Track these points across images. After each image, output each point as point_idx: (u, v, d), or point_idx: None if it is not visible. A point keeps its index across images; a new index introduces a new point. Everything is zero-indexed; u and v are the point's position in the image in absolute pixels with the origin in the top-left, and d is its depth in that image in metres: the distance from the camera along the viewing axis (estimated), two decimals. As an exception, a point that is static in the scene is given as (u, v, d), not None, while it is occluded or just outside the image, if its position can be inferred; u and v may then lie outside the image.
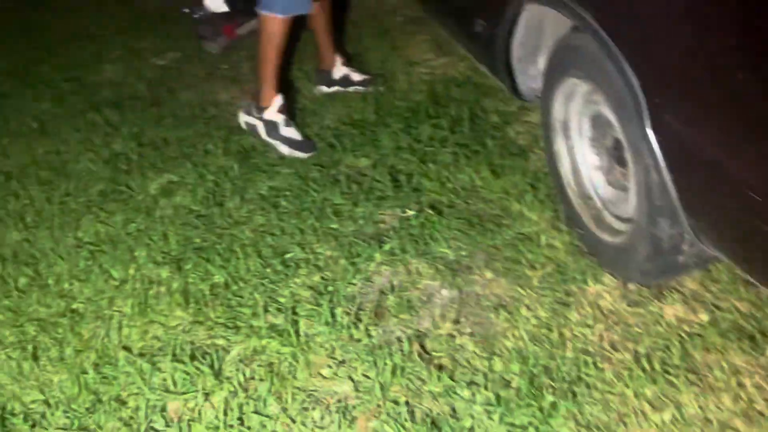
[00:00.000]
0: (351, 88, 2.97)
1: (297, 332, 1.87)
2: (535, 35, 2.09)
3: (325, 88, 2.99)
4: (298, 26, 2.69)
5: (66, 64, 3.65)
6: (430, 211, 2.25)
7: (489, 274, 2.00)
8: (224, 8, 2.93)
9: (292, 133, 2.64)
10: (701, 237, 1.54)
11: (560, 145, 2.05)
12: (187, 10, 3.05)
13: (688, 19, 1.38)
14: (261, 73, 2.60)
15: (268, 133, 2.62)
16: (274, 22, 2.52)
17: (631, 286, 1.88)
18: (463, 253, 2.09)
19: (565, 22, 1.84)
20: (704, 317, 1.78)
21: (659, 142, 1.48)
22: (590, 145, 2.00)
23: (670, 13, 1.43)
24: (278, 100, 2.61)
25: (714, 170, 1.39)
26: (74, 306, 2.09)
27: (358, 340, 1.84)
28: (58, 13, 4.26)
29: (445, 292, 1.98)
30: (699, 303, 1.82)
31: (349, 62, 3.02)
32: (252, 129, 2.67)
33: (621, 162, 1.85)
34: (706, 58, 1.34)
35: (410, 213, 2.27)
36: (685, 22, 1.39)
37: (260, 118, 2.63)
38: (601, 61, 1.65)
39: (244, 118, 2.70)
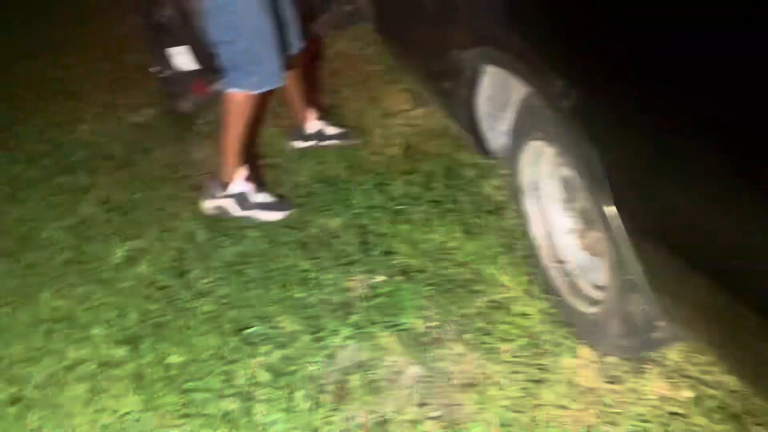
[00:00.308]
0: (326, 143, 2.88)
1: (251, 421, 1.75)
2: (502, 92, 1.99)
3: (299, 144, 2.90)
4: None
5: (44, 123, 3.59)
6: (400, 277, 2.13)
7: (459, 348, 1.88)
8: (194, 66, 2.86)
9: (263, 197, 2.54)
10: (669, 315, 1.42)
11: (531, 207, 1.94)
12: (154, 69, 2.98)
13: (653, 90, 1.26)
14: (225, 149, 2.47)
15: (241, 206, 2.50)
16: (243, 99, 2.40)
17: (610, 359, 1.75)
18: (433, 323, 1.97)
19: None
20: (688, 394, 1.65)
21: (622, 216, 1.36)
22: (562, 208, 1.88)
23: (634, 79, 1.31)
24: (243, 171, 2.50)
25: (676, 250, 1.27)
26: (24, 393, 1.99)
27: (316, 430, 1.71)
28: (40, 70, 4.22)
29: (412, 370, 1.85)
30: (683, 378, 1.68)
31: (324, 115, 2.93)
32: (221, 211, 2.52)
33: (594, 227, 1.73)
34: (668, 131, 1.23)
35: (379, 279, 2.15)
36: (649, 91, 1.27)
37: (228, 195, 2.50)
38: (560, 127, 1.54)
39: (210, 204, 2.54)
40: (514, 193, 2.00)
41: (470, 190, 2.42)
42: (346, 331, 1.98)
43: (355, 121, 3.02)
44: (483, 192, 2.41)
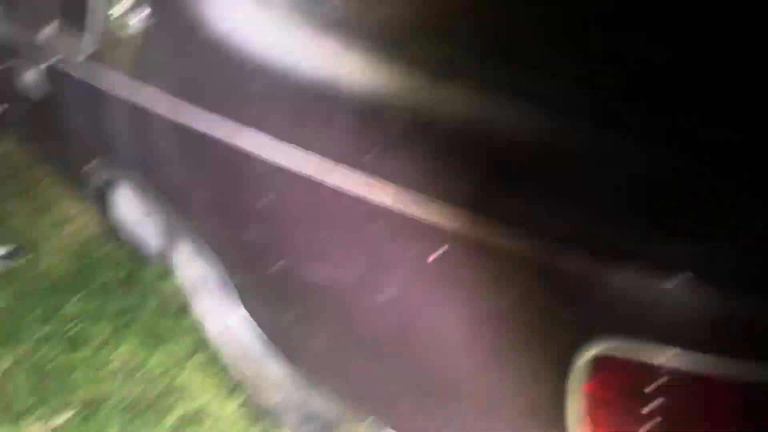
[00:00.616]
0: (-16, 270, 2.54)
1: None
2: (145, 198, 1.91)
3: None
4: None
5: None
6: (86, 411, 1.92)
7: (157, 476, 1.74)
8: None
9: None
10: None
11: (201, 304, 1.87)
12: None
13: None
14: None
15: None
16: None
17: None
18: (126, 453, 1.80)
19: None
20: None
21: (255, 319, 1.35)
22: (230, 303, 1.84)
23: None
24: None
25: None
26: None
27: None
28: None
29: None
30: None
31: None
32: None
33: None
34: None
35: (60, 421, 1.92)
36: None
37: None
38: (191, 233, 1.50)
39: None
40: (187, 291, 1.92)
41: (153, 294, 2.29)
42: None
43: (21, 237, 2.71)
44: (168, 293, 2.29)
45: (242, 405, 1.83)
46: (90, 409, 1.93)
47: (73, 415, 1.92)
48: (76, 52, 1.50)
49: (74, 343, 2.15)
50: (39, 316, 2.28)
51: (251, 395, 1.77)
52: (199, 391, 1.91)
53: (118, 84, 1.40)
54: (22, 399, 2.00)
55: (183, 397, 1.91)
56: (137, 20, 1.25)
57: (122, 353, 2.09)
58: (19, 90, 2.07)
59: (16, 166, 3.27)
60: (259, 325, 1.32)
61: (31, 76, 1.83)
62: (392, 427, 1.18)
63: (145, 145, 1.40)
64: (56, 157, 2.30)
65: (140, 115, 1.33)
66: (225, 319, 1.81)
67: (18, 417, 1.95)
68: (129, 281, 2.35)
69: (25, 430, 1.91)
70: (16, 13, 1.96)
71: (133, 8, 1.24)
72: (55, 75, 1.67)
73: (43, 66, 1.72)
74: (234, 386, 1.86)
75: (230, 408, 1.84)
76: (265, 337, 1.37)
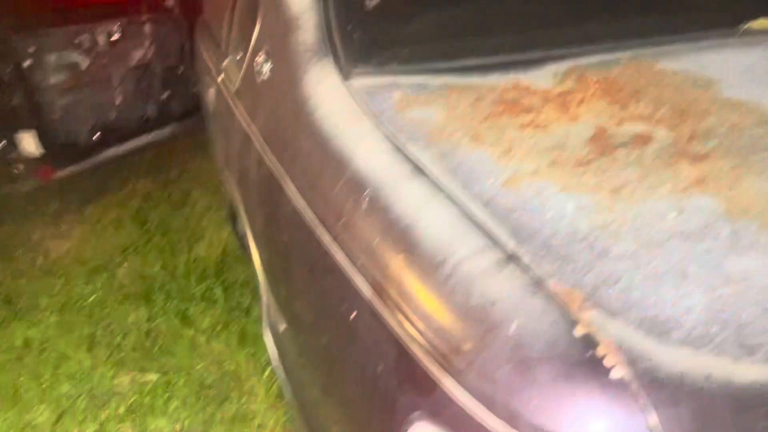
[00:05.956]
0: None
1: None
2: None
3: None
4: None
5: None
6: (169, 376, 2.22)
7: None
8: (39, 151, 2.95)
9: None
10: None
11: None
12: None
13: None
14: None
15: None
16: None
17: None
18: (178, 426, 2.04)
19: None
20: None
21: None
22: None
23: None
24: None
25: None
26: None
27: None
28: None
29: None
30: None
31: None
32: None
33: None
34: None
35: (148, 378, 2.23)
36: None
37: None
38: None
39: None
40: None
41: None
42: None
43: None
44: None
45: (291, 420, 2.00)
46: (171, 376, 2.22)
47: (158, 377, 2.23)
48: (233, 83, 1.80)
49: (186, 320, 2.48)
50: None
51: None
52: (259, 396, 2.12)
53: (241, 116, 1.66)
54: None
55: (244, 396, 2.13)
56: (266, 72, 1.49)
57: (218, 346, 2.37)
58: (204, 103, 2.46)
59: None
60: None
61: (211, 93, 2.18)
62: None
63: (243, 169, 1.65)
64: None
65: (246, 145, 1.58)
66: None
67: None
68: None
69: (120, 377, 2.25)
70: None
71: (265, 61, 1.49)
72: (220, 96, 1.99)
73: (215, 86, 2.05)
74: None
75: (279, 418, 2.02)
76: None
